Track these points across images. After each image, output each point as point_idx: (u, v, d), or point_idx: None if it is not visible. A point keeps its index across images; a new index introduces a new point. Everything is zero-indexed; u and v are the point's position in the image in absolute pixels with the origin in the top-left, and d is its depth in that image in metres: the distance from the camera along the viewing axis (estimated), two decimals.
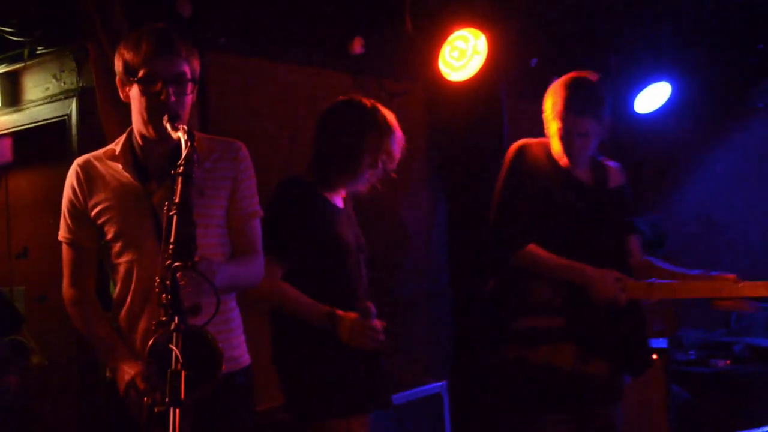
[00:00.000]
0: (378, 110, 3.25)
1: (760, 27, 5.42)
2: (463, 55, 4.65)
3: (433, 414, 4.44)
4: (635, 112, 5.91)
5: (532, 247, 3.42)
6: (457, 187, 5.25)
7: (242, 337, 2.78)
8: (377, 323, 3.11)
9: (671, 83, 5.76)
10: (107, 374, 2.59)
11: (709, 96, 6.16)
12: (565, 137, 3.43)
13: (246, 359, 2.77)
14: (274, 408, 3.42)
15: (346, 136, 3.19)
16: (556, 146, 3.49)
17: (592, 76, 3.46)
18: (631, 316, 3.43)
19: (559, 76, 4.03)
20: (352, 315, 3.06)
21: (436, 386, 4.47)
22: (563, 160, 3.49)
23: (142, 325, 2.57)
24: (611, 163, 3.66)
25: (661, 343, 4.96)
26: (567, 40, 5.40)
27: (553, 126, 3.47)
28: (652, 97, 5.84)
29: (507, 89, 5.13)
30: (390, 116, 3.27)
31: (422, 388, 4.41)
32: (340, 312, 3.05)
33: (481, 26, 4.63)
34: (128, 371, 2.47)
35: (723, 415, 5.09)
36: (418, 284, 5.04)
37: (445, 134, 5.21)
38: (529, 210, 3.46)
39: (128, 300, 2.60)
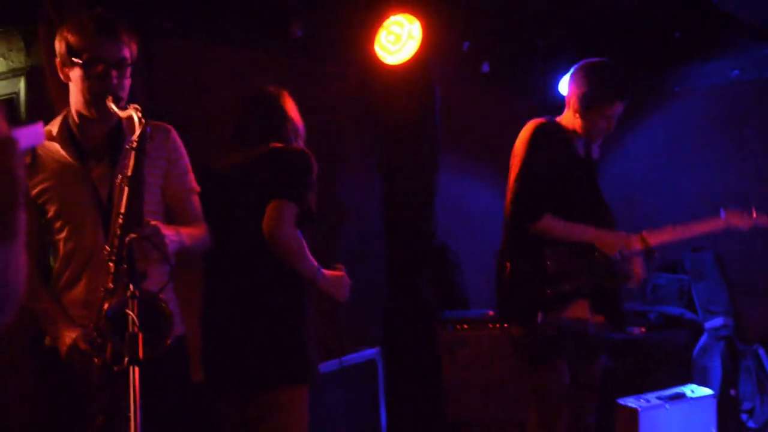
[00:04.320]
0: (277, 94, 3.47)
1: (678, 15, 5.61)
2: (399, 39, 4.76)
3: (367, 379, 4.58)
4: (559, 93, 6.08)
5: (549, 217, 3.63)
6: (392, 163, 5.35)
7: (177, 308, 2.88)
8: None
9: None
10: (47, 342, 2.69)
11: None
12: (600, 120, 3.70)
13: (180, 328, 2.86)
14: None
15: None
16: (579, 126, 3.74)
17: (612, 63, 3.76)
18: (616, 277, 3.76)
19: (489, 59, 4.19)
20: (335, 272, 3.32)
21: (371, 352, 4.60)
22: (581, 139, 3.76)
23: (79, 295, 2.67)
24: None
25: None
26: (496, 26, 5.53)
27: (584, 107, 3.70)
28: None
29: (440, 72, 5.24)
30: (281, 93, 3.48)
31: (357, 354, 4.53)
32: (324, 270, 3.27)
33: (416, 12, 4.74)
34: (70, 335, 2.58)
35: (637, 377, 5.32)
36: (353, 254, 5.16)
37: (381, 115, 5.29)
38: (546, 183, 3.67)
39: (68, 272, 2.69)
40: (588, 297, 3.68)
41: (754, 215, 3.83)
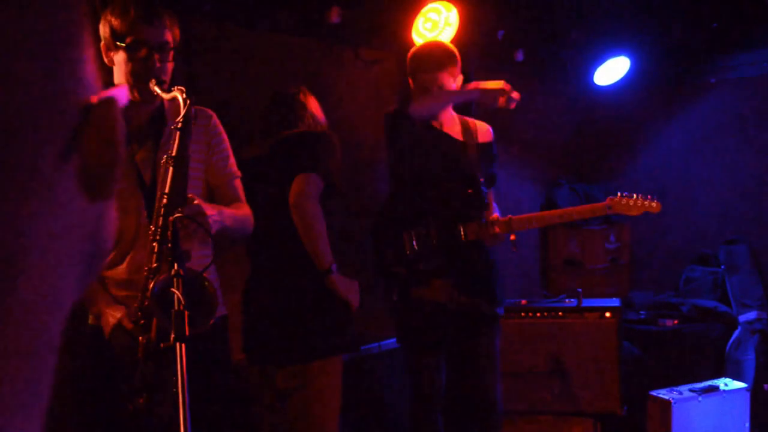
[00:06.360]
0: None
1: (714, 6, 5.57)
2: (436, 26, 4.74)
3: (399, 365, 4.55)
4: (595, 84, 6.06)
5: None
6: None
7: (219, 288, 2.91)
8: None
9: (629, 57, 5.93)
10: (90, 320, 2.72)
11: (664, 70, 6.33)
12: (420, 93, 3.78)
13: (222, 309, 2.89)
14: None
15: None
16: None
17: (439, 42, 3.94)
18: (486, 258, 3.84)
19: (523, 47, 4.21)
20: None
21: None
22: (458, 123, 3.87)
23: (122, 275, 2.70)
24: (480, 123, 4.00)
25: (614, 302, 5.09)
26: (531, 15, 5.52)
27: (414, 86, 3.85)
28: (612, 70, 6.00)
29: (476, 60, 5.22)
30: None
31: (389, 341, 4.58)
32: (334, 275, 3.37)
33: None
34: (113, 314, 2.61)
35: (670, 370, 5.31)
36: None
37: None
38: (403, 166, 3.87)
39: (113, 253, 2.72)
40: (449, 277, 3.75)
41: (643, 201, 3.92)
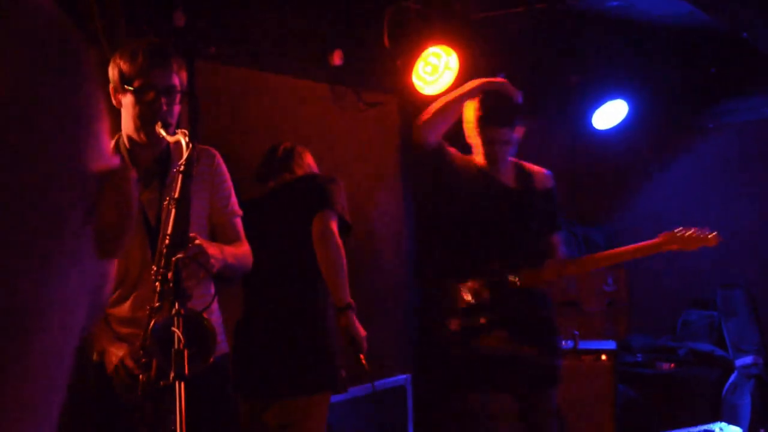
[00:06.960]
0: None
1: (712, 52, 5.65)
2: (436, 70, 4.78)
3: (397, 405, 4.60)
4: (593, 127, 6.11)
5: None
6: (424, 193, 5.37)
7: (221, 326, 2.95)
8: None
9: (627, 101, 5.98)
10: (94, 357, 2.76)
11: (662, 115, 6.39)
12: (488, 146, 3.71)
13: (224, 347, 2.93)
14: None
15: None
16: (479, 154, 3.77)
17: (507, 86, 3.78)
18: (544, 307, 3.78)
19: (522, 90, 4.28)
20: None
21: (401, 378, 4.61)
22: (488, 167, 3.77)
23: (125, 313, 2.75)
24: (537, 169, 3.93)
25: (610, 345, 5.12)
26: (530, 59, 5.59)
27: (474, 136, 3.76)
28: (610, 114, 6.05)
29: None
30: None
31: (387, 380, 4.55)
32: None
33: (453, 44, 4.78)
34: (116, 353, 2.65)
35: (666, 413, 5.31)
36: (385, 280, 5.22)
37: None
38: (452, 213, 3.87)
39: (118, 291, 2.76)
40: (506, 328, 3.69)
41: (699, 234, 3.75)
